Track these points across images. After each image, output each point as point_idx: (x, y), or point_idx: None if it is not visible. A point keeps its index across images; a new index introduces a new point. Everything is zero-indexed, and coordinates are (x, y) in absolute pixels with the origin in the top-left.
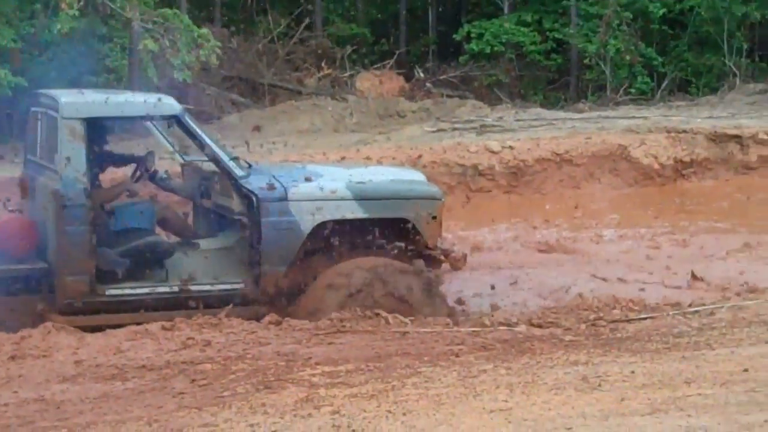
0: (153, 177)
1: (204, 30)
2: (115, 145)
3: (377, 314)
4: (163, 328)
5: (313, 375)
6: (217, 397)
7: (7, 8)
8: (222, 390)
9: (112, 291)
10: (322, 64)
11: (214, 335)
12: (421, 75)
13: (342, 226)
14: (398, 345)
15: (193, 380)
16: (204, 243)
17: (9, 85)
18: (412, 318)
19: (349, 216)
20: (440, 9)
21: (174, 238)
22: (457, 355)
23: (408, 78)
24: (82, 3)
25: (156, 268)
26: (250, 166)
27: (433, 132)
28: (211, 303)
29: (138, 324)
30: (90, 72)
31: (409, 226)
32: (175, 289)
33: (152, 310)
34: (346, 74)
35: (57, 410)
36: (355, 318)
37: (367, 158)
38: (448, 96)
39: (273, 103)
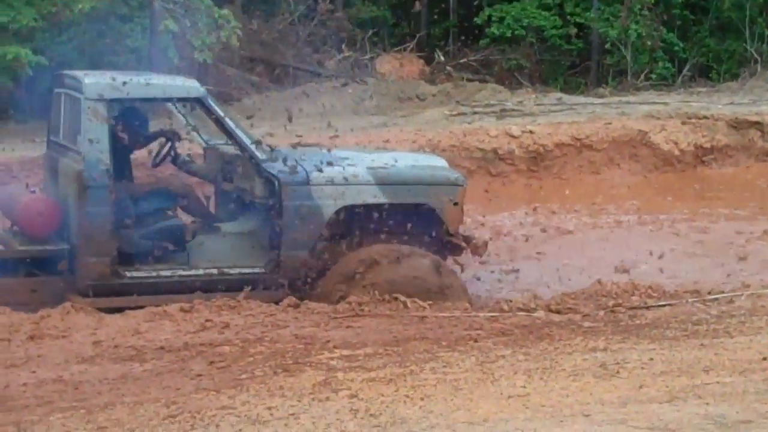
0: (175, 160)
1: (225, 11)
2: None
3: (396, 298)
4: (182, 309)
5: (331, 358)
6: (235, 380)
7: None
8: (240, 372)
9: (133, 273)
10: (343, 46)
11: (233, 317)
12: (442, 58)
13: (363, 211)
14: (416, 329)
15: (212, 362)
16: (225, 227)
17: (30, 65)
18: (431, 302)
19: (371, 201)
20: None
21: (195, 222)
22: (475, 340)
23: (428, 61)
24: None
25: (177, 251)
26: (272, 149)
27: (453, 116)
28: (232, 286)
29: (157, 306)
30: (111, 52)
31: (431, 211)
32: (196, 272)
33: (172, 293)
34: (366, 57)
35: (75, 391)
36: (374, 302)
37: (387, 141)
38: (468, 80)
39: (293, 85)
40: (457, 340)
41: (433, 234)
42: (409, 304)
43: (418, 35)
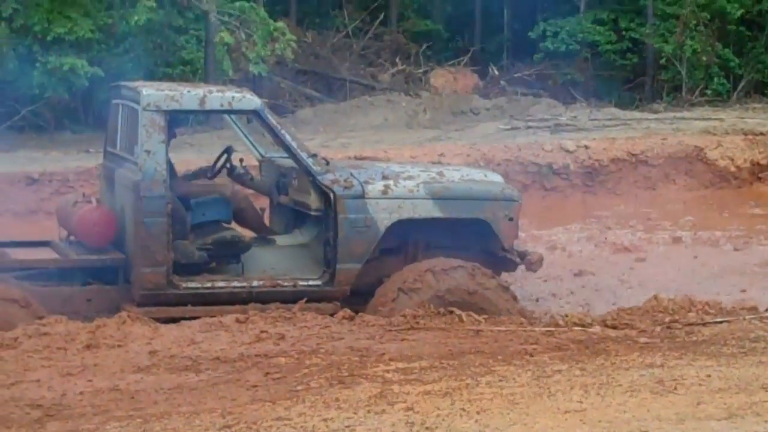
0: (231, 171)
1: (280, 23)
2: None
3: (451, 312)
4: (238, 320)
5: (387, 371)
6: (290, 391)
7: (86, 0)
8: (296, 384)
9: (189, 284)
10: (397, 60)
11: (288, 329)
12: (496, 72)
13: (418, 225)
14: (472, 343)
15: (267, 373)
16: (280, 239)
17: (86, 76)
18: (486, 316)
19: (426, 215)
20: (516, 6)
21: (250, 233)
22: (531, 355)
23: (482, 75)
24: None
25: (232, 262)
26: (327, 162)
27: (507, 130)
28: (286, 299)
29: (212, 316)
30: (166, 64)
31: (486, 226)
32: (250, 283)
33: (226, 304)
34: (420, 70)
35: (131, 400)
36: (429, 315)
37: (441, 155)
38: (523, 94)
39: (346, 98)
40: (512, 354)
41: (488, 249)
42: (464, 318)
43: (472, 49)
